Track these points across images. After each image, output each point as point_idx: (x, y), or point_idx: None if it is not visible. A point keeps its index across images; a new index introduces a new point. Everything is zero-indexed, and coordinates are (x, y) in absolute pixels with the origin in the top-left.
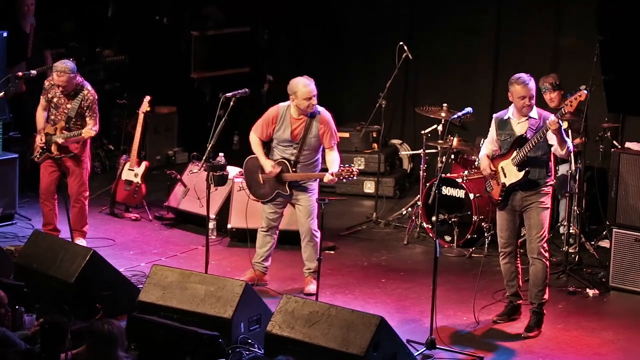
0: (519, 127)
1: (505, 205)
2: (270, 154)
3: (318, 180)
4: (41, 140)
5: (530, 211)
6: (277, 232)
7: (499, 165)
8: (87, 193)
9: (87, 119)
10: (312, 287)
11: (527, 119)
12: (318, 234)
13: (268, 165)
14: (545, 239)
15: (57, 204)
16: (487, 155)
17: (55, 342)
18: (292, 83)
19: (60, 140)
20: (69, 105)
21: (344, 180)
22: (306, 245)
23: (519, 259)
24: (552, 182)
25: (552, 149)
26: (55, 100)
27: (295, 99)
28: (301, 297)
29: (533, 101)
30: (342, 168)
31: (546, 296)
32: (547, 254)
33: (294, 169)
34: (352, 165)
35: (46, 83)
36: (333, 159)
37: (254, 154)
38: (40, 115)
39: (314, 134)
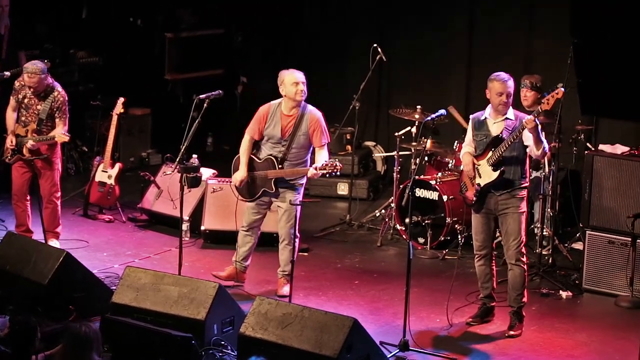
0: (495, 127)
1: (480, 208)
2: (258, 152)
3: (304, 185)
4: (11, 142)
5: (506, 217)
6: (259, 232)
7: (477, 164)
8: (59, 194)
9: (57, 119)
10: (285, 289)
11: (504, 120)
12: (297, 239)
13: (238, 176)
14: (522, 243)
15: (30, 205)
16: (469, 152)
17: (25, 342)
18: (279, 74)
19: (31, 144)
20: (39, 107)
21: (327, 175)
22: (284, 248)
23: (494, 261)
24: (527, 185)
25: (528, 149)
26: (25, 101)
27: (284, 88)
28: (275, 299)
29: (510, 100)
30: (325, 163)
31: (525, 299)
32: (524, 259)
33: (280, 166)
34: (336, 159)
35: (16, 84)
36: (321, 157)
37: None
38: (10, 116)
39: (303, 131)
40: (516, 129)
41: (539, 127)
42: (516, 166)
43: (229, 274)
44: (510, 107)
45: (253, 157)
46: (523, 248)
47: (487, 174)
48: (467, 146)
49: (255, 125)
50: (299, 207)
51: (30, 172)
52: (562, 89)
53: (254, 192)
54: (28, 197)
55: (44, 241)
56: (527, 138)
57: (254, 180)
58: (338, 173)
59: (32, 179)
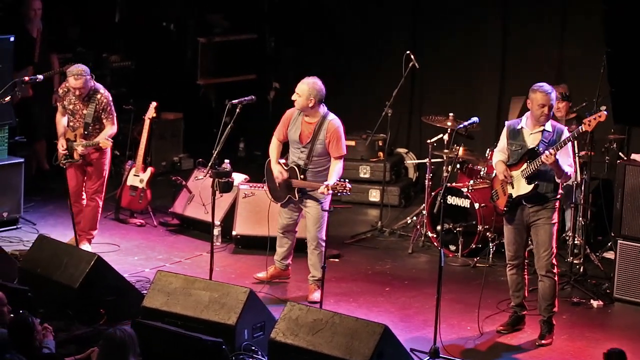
0: (532, 138)
1: (511, 218)
2: (287, 158)
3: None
4: (62, 146)
5: (537, 228)
6: (296, 234)
7: (509, 174)
8: (102, 196)
9: (104, 120)
10: (316, 295)
11: (541, 131)
12: (324, 243)
13: (276, 170)
14: (553, 255)
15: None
16: (502, 161)
17: (24, 340)
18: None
19: (80, 150)
20: (84, 111)
21: (338, 194)
22: (312, 253)
23: (526, 269)
24: (559, 197)
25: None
26: (70, 107)
27: None
28: (305, 304)
29: (551, 112)
30: (337, 183)
31: (555, 309)
32: (555, 270)
33: (302, 176)
34: (347, 181)
35: (60, 90)
36: (333, 171)
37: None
38: (59, 121)
39: (320, 140)
40: (554, 142)
41: (558, 162)
42: (549, 181)
43: (272, 274)
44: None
45: (282, 164)
46: (554, 259)
47: (521, 186)
48: (500, 153)
49: (280, 128)
50: (325, 213)
51: (83, 174)
52: (605, 112)
53: (282, 197)
54: (84, 197)
55: (76, 244)
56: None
57: (281, 186)
58: (348, 193)
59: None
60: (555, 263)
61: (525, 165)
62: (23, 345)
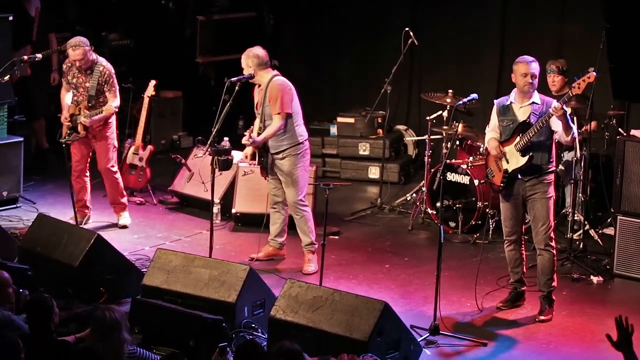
0: (522, 112)
1: (508, 194)
2: None
3: (302, 152)
4: (66, 118)
5: (534, 202)
6: (286, 207)
7: (502, 149)
8: (116, 167)
9: (107, 93)
10: (310, 267)
11: (530, 104)
12: (305, 208)
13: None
14: (551, 228)
15: (90, 181)
16: (494, 138)
17: (41, 319)
18: None
19: (83, 120)
20: (87, 84)
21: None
22: (295, 220)
23: (523, 245)
24: (553, 169)
25: (557, 135)
26: (74, 81)
27: None
28: (305, 282)
29: (535, 81)
30: (252, 140)
31: (555, 283)
32: (553, 243)
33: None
34: (249, 133)
35: (64, 66)
36: (269, 127)
37: None
38: (64, 96)
39: (267, 103)
40: (544, 114)
41: (567, 112)
42: (543, 151)
43: (267, 253)
44: (536, 92)
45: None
46: (552, 233)
47: (515, 160)
48: (492, 131)
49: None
50: (299, 175)
51: (87, 148)
52: (594, 73)
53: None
54: (87, 173)
55: (75, 222)
56: (555, 124)
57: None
58: (248, 144)
59: (91, 156)
60: (553, 237)
61: (518, 139)
62: (39, 325)
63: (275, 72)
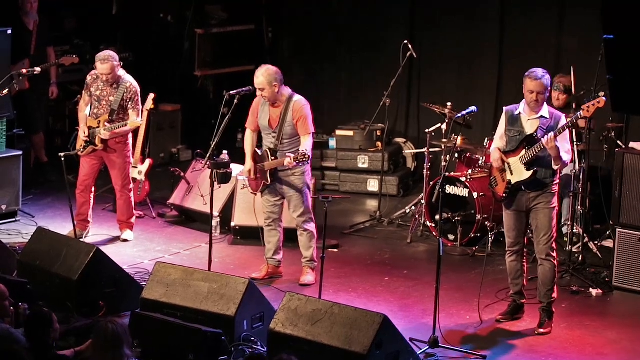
0: (529, 124)
1: (511, 204)
2: (261, 145)
3: (306, 172)
4: (84, 133)
5: (537, 212)
6: (281, 223)
7: (506, 161)
8: (132, 185)
9: (130, 111)
10: (307, 278)
11: (539, 118)
12: (311, 225)
13: (246, 167)
14: (553, 239)
15: (94, 197)
16: (498, 148)
17: (41, 333)
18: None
19: (103, 133)
20: (111, 98)
21: (300, 164)
22: (300, 235)
23: (525, 257)
24: (557, 182)
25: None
26: (98, 93)
27: None
28: (304, 295)
29: (541, 97)
30: (297, 153)
31: (555, 295)
32: (555, 254)
33: (273, 157)
34: (306, 150)
35: (88, 78)
36: (303, 145)
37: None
38: (82, 109)
39: (288, 121)
40: (551, 128)
41: (558, 148)
42: (548, 167)
43: (266, 272)
44: (545, 105)
45: (257, 150)
46: (554, 243)
47: (520, 172)
48: (498, 140)
49: (250, 118)
50: (306, 193)
51: (99, 164)
52: (604, 98)
53: (259, 184)
54: (93, 189)
55: (71, 236)
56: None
57: (257, 174)
58: (308, 162)
59: (99, 172)
60: (555, 247)
61: (523, 152)
62: (38, 339)
63: (289, 89)
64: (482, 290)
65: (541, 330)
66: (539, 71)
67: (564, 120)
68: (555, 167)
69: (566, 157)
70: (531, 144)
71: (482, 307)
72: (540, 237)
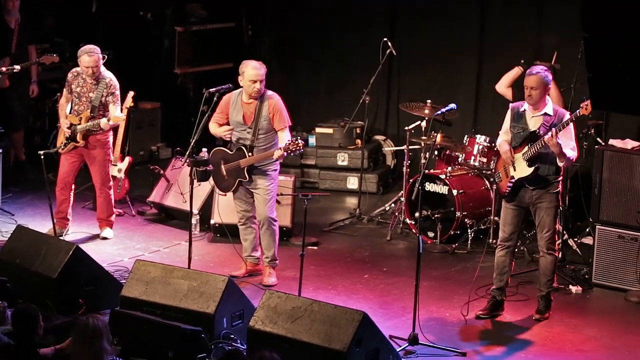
0: (533, 121)
1: (512, 199)
2: (231, 145)
3: (278, 170)
4: (66, 124)
5: (540, 210)
6: (255, 220)
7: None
8: (111, 183)
9: (111, 105)
10: (270, 280)
11: (542, 115)
12: (277, 223)
13: (224, 129)
14: (555, 234)
15: (74, 194)
16: (506, 141)
17: (27, 331)
18: (243, 63)
19: (84, 128)
20: (92, 94)
21: (292, 154)
22: (264, 233)
23: (514, 255)
24: (561, 179)
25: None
26: (78, 89)
27: (242, 79)
28: (283, 292)
29: (535, 92)
30: (288, 142)
31: (555, 284)
32: (556, 247)
33: (250, 154)
34: (298, 138)
35: (69, 75)
36: (282, 138)
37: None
38: (63, 107)
39: (264, 116)
40: (554, 126)
41: (561, 145)
42: (551, 163)
43: (245, 270)
44: (550, 102)
45: (226, 150)
46: (555, 236)
47: (522, 169)
48: (504, 134)
49: (219, 115)
50: (274, 191)
51: (79, 162)
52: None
53: (232, 184)
54: (73, 186)
55: (52, 233)
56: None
57: (229, 173)
58: (301, 150)
59: (79, 169)
60: (556, 240)
61: (526, 148)
62: (24, 335)
63: None
64: (462, 288)
65: (541, 317)
66: (536, 67)
67: (568, 117)
68: (560, 164)
69: (571, 153)
70: (533, 140)
71: (462, 304)
72: (543, 233)
